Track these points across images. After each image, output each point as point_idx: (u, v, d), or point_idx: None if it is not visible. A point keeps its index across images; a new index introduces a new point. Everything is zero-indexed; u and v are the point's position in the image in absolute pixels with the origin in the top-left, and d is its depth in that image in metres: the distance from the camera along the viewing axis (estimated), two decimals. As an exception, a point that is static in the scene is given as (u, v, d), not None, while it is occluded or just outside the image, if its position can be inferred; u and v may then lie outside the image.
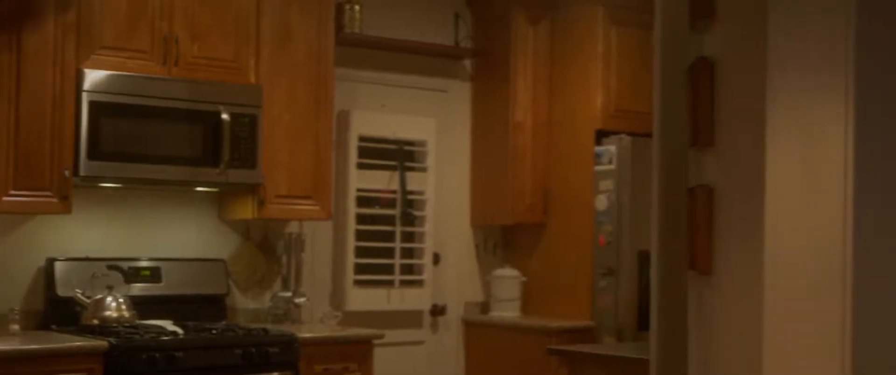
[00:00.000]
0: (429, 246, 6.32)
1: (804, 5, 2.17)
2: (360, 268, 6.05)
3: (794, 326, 2.17)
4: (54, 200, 4.69)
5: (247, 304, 5.62)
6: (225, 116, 5.02)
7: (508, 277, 6.44)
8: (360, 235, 6.06)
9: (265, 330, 5.00)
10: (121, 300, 4.93)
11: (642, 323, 5.77)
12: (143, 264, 5.23)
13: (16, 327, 4.68)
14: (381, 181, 6.17)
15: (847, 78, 2.12)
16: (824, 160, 2.14)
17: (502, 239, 6.71)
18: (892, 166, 2.16)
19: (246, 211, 5.35)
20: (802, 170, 2.19)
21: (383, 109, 6.22)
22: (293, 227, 5.76)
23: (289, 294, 5.61)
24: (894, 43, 2.13)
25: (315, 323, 5.68)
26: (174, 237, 5.43)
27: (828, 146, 2.13)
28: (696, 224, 2.46)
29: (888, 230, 2.14)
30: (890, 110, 2.15)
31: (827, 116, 2.16)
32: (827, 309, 2.09)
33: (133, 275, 5.13)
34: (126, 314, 4.90)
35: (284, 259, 5.68)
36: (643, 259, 5.76)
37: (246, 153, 5.12)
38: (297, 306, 5.60)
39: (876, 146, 2.12)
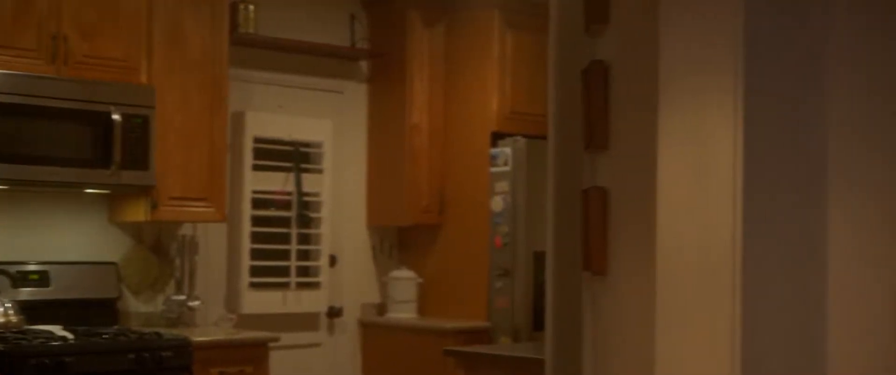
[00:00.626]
0: (325, 247, 6.29)
1: (694, 10, 2.21)
2: (255, 271, 5.99)
3: (685, 325, 2.21)
4: (-63, 203, 4.56)
5: (139, 308, 5.53)
6: (116, 117, 4.93)
7: (405, 278, 6.44)
8: (256, 237, 6.00)
9: (158, 334, 4.92)
10: (8, 305, 4.80)
11: (538, 324, 5.82)
12: (31, 268, 5.11)
13: None
14: (277, 183, 6.12)
15: (735, 81, 2.16)
16: (714, 161, 2.18)
17: (399, 240, 6.71)
18: (780, 167, 2.21)
19: (138, 213, 5.26)
20: (693, 171, 2.23)
21: (279, 110, 6.17)
22: (187, 230, 5.68)
23: (182, 297, 5.53)
24: (781, 45, 2.19)
25: (209, 327, 5.61)
26: (63, 240, 5.31)
27: (717, 147, 2.18)
28: (591, 225, 2.49)
29: (776, 230, 2.20)
30: (777, 112, 2.21)
31: (716, 118, 2.20)
32: (717, 308, 2.13)
33: (21, 280, 5.00)
34: (13, 319, 4.78)
35: (178, 261, 5.60)
36: (538, 260, 5.80)
37: (138, 154, 5.04)
38: (191, 309, 5.53)
39: (764, 147, 2.17)
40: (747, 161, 2.14)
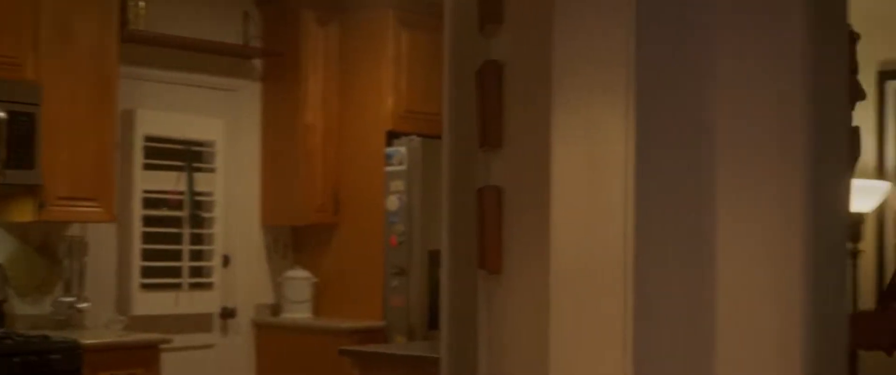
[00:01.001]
0: (218, 248, 6.22)
1: (586, 9, 2.23)
2: (146, 271, 5.89)
3: (578, 323, 2.23)
4: None
5: (26, 310, 5.39)
6: (1, 114, 4.80)
7: (300, 278, 6.40)
8: (147, 237, 5.90)
9: (46, 337, 4.80)
10: None
11: (433, 323, 5.83)
12: (-88, 270, 4.95)
13: None
14: (169, 182, 6.02)
15: (627, 80, 2.19)
16: (606, 160, 2.21)
17: (293, 240, 6.66)
18: (671, 166, 2.25)
19: (24, 213, 5.13)
20: (585, 169, 2.25)
21: (171, 109, 6.07)
22: (76, 230, 5.56)
23: (71, 299, 5.42)
24: (672, 45, 2.22)
25: (99, 329, 5.49)
26: (-54, 241, 5.17)
27: (609, 146, 2.20)
28: (485, 223, 2.50)
29: (667, 228, 2.23)
30: (669, 112, 2.24)
31: (608, 117, 2.22)
32: (609, 306, 2.16)
33: None
34: None
35: (66, 262, 5.48)
36: (434, 259, 5.82)
37: (24, 153, 4.91)
38: (81, 311, 5.42)
39: (655, 146, 2.21)
40: (639, 160, 2.17)
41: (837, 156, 2.34)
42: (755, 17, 2.23)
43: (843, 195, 2.38)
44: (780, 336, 2.12)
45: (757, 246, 2.22)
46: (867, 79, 5.46)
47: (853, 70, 2.62)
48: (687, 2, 2.24)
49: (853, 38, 2.65)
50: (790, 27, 2.18)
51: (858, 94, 2.63)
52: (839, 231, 2.34)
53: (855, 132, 2.72)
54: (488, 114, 2.53)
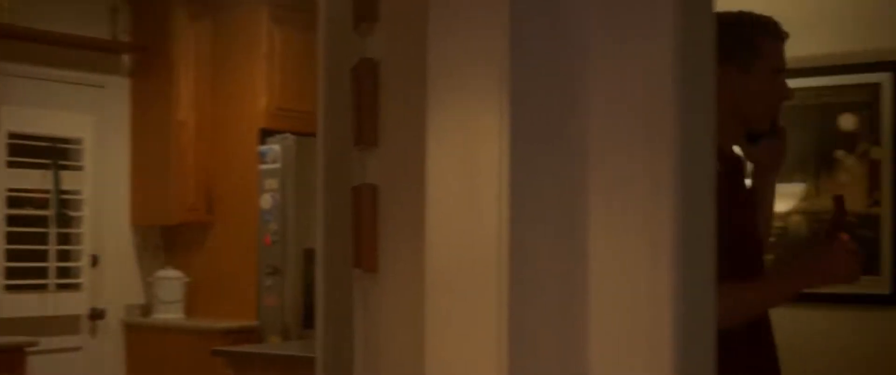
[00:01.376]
0: (86, 247, 6.08)
1: (461, 8, 2.25)
2: (11, 272, 5.73)
3: (454, 323, 2.25)
4: None
5: None
6: None
7: (171, 278, 6.30)
8: (11, 237, 5.74)
9: None
10: None
11: (308, 322, 5.80)
12: None
13: None
14: (34, 180, 5.86)
15: (502, 78, 2.21)
16: (481, 159, 2.22)
17: (164, 239, 6.55)
18: (546, 168, 2.28)
19: None
20: (460, 169, 2.26)
21: (37, 105, 5.91)
22: (-65, 231, 5.38)
23: (-70, 302, 5.24)
24: (546, 44, 2.25)
25: (-40, 333, 5.33)
26: None
27: (484, 146, 2.22)
28: (361, 222, 2.50)
29: (542, 225, 2.26)
30: (543, 113, 2.27)
31: (483, 117, 2.24)
32: (484, 307, 2.18)
33: None
34: None
35: (-75, 265, 5.30)
36: (309, 257, 5.79)
37: None
38: (-60, 315, 5.24)
39: (530, 147, 2.23)
40: (513, 158, 2.19)
41: (704, 160, 2.40)
42: (627, 17, 2.28)
43: (710, 194, 2.44)
44: (652, 328, 2.17)
45: (629, 242, 2.26)
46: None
47: (780, 68, 2.68)
48: (562, 7, 2.27)
49: (782, 36, 2.72)
50: (661, 25, 2.23)
51: (786, 94, 2.69)
52: (707, 231, 2.40)
53: (781, 132, 2.79)
54: (363, 112, 2.53)
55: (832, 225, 2.60)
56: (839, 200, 2.62)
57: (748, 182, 2.82)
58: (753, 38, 2.65)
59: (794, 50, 2.78)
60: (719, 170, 2.65)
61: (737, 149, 2.79)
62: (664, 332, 2.17)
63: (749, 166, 2.85)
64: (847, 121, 4.71)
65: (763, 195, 2.78)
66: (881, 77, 5.08)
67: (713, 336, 2.31)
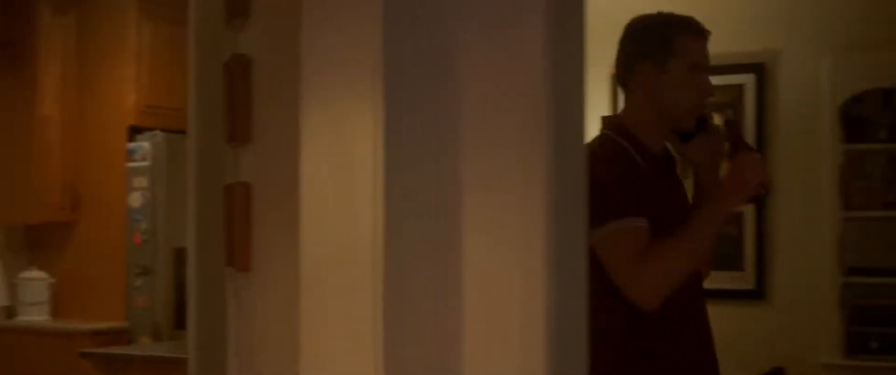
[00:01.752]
0: (-55, 249, 5.89)
1: (334, 5, 2.24)
2: None
3: (329, 320, 2.24)
4: None
5: None
6: None
7: (36, 279, 6.13)
8: None
9: None
10: None
11: (180, 323, 5.72)
12: None
13: None
14: None
15: (376, 76, 2.21)
16: (355, 157, 2.22)
17: (28, 239, 6.37)
18: (420, 162, 2.28)
19: None
20: (335, 166, 2.26)
21: None
22: None
23: None
24: (420, 42, 2.25)
25: None
26: None
27: (358, 143, 2.21)
28: (234, 221, 2.47)
29: (417, 223, 2.26)
30: (416, 110, 2.27)
31: (357, 114, 2.24)
32: (359, 304, 2.17)
33: None
34: None
35: None
36: (180, 257, 5.70)
37: None
38: None
39: (404, 145, 2.23)
40: (388, 158, 2.19)
41: (575, 155, 2.44)
42: (500, 15, 2.30)
43: (581, 190, 2.48)
44: (525, 322, 2.19)
45: (504, 240, 2.28)
46: (601, 83, 5.71)
47: (701, 66, 2.71)
48: (435, 4, 2.28)
49: (704, 34, 2.75)
50: (533, 23, 2.26)
51: (706, 90, 2.71)
52: (579, 225, 2.44)
53: (715, 129, 2.80)
54: (236, 109, 2.50)
55: (733, 145, 2.66)
56: (731, 123, 2.70)
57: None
58: (669, 37, 2.68)
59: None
60: (642, 167, 2.69)
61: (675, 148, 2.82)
62: (538, 326, 2.19)
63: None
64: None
65: (705, 190, 2.76)
66: (745, 78, 5.24)
67: (585, 329, 2.35)
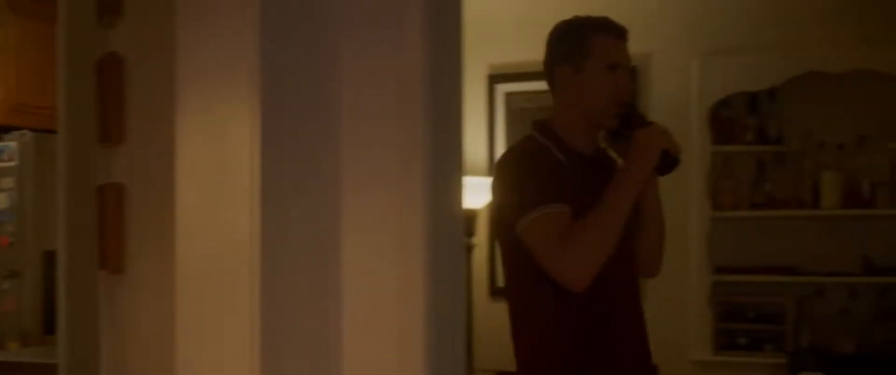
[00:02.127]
0: None
1: (210, 4, 2.21)
2: None
3: (205, 324, 2.21)
4: None
5: None
6: None
7: None
8: None
9: None
10: None
11: (49, 327, 5.58)
12: None
13: None
14: None
15: (253, 77, 2.19)
16: (231, 159, 2.19)
17: None
18: (297, 166, 2.27)
19: None
20: (211, 168, 2.23)
21: None
22: None
23: None
24: (298, 43, 2.24)
25: None
26: None
27: (234, 145, 2.19)
28: (106, 223, 2.42)
29: (294, 227, 2.25)
30: (294, 112, 2.26)
31: (233, 115, 2.21)
32: (235, 307, 2.15)
33: None
34: None
35: None
36: (49, 259, 5.56)
37: None
38: None
39: (281, 147, 2.22)
40: (265, 160, 2.17)
41: (452, 154, 2.45)
42: (377, 18, 2.30)
43: (459, 191, 2.50)
44: (403, 324, 2.20)
45: (381, 240, 2.28)
46: (478, 83, 5.76)
47: (615, 65, 2.72)
48: (313, 4, 2.27)
49: (621, 34, 2.77)
50: (410, 27, 2.26)
51: (623, 89, 2.72)
52: (456, 225, 2.45)
53: (630, 107, 2.81)
54: (108, 108, 2.45)
55: (635, 120, 2.70)
56: (629, 105, 2.73)
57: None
58: (584, 38, 2.71)
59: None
60: (563, 164, 2.72)
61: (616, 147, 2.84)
62: (416, 328, 2.20)
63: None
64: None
65: (645, 191, 2.78)
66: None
67: (464, 328, 2.36)
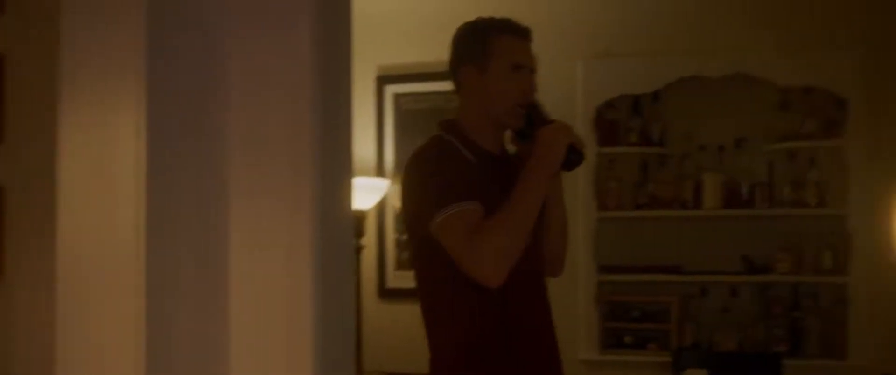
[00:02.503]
0: None
1: (95, 4, 2.17)
2: None
3: (88, 326, 2.17)
4: None
5: None
6: None
7: None
8: None
9: None
10: None
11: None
12: None
13: None
14: None
15: (138, 77, 2.16)
16: (116, 160, 2.16)
17: None
18: (183, 168, 2.24)
19: None
20: (95, 169, 2.19)
21: None
22: None
23: None
24: (185, 43, 2.21)
25: None
26: None
27: (119, 146, 2.15)
28: (-15, 224, 2.36)
29: (181, 230, 2.22)
30: (181, 114, 2.23)
31: (119, 116, 2.18)
32: (121, 309, 2.12)
33: None
34: None
35: None
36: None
37: None
38: None
39: (167, 149, 2.19)
40: (150, 161, 2.14)
41: (342, 156, 2.45)
42: (267, 19, 2.28)
43: (348, 193, 2.49)
44: (291, 326, 2.19)
45: (270, 243, 2.27)
46: (367, 84, 5.75)
47: (518, 65, 2.73)
48: (200, 5, 2.25)
49: (525, 35, 2.77)
50: (300, 28, 2.25)
51: (526, 89, 2.73)
52: (345, 227, 2.45)
53: (533, 106, 2.82)
54: (-13, 108, 2.39)
55: (539, 118, 2.73)
56: (532, 105, 2.75)
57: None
58: (487, 39, 2.72)
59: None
60: (471, 162, 2.72)
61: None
62: (304, 334, 2.19)
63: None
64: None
65: (551, 190, 2.81)
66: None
67: (353, 329, 2.36)
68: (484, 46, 2.72)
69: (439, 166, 2.66)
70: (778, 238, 5.26)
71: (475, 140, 2.74)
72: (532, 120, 2.74)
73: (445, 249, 2.62)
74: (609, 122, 5.48)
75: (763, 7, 5.36)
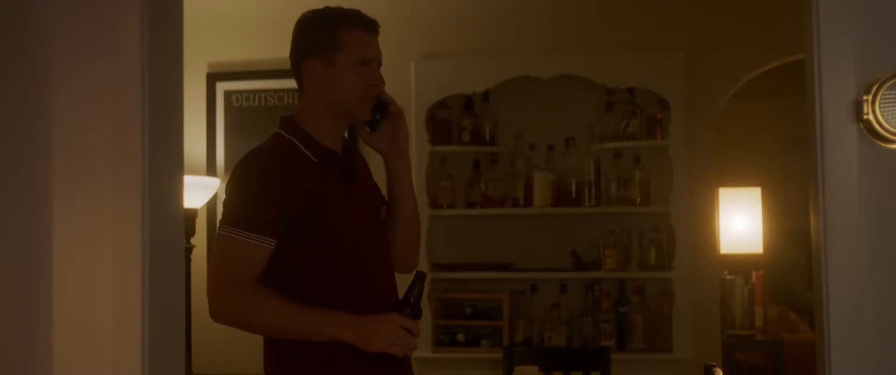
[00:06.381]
0: None
1: None
2: None
3: None
4: None
5: None
6: None
7: None
8: None
9: None
10: None
11: None
12: None
13: None
14: None
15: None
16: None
17: None
18: (4, 166, 2.17)
19: None
20: None
21: None
22: None
23: None
24: (8, 44, 2.15)
25: None
26: None
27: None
28: None
29: (4, 231, 2.16)
30: (4, 110, 2.16)
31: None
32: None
33: None
34: None
35: None
36: None
37: None
38: None
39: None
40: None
41: (172, 154, 2.41)
42: (92, 19, 2.23)
43: (179, 191, 2.45)
44: (119, 327, 2.14)
45: (96, 241, 2.21)
46: (197, 81, 5.65)
47: (366, 59, 2.68)
48: (25, 6, 2.19)
49: (372, 27, 2.72)
50: (127, 32, 2.21)
51: (374, 82, 2.71)
52: (175, 225, 2.41)
53: (393, 116, 2.78)
54: None
55: (401, 299, 2.70)
56: (420, 276, 2.70)
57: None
58: (335, 32, 2.66)
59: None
60: (312, 161, 2.66)
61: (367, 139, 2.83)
62: (133, 327, 2.15)
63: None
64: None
65: (397, 179, 2.82)
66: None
67: (183, 330, 2.32)
68: (332, 38, 2.67)
69: (261, 183, 2.57)
70: (605, 235, 5.39)
71: (316, 136, 2.70)
72: (381, 110, 2.76)
73: (209, 260, 2.59)
74: (441, 121, 5.52)
75: (589, 10, 5.50)
